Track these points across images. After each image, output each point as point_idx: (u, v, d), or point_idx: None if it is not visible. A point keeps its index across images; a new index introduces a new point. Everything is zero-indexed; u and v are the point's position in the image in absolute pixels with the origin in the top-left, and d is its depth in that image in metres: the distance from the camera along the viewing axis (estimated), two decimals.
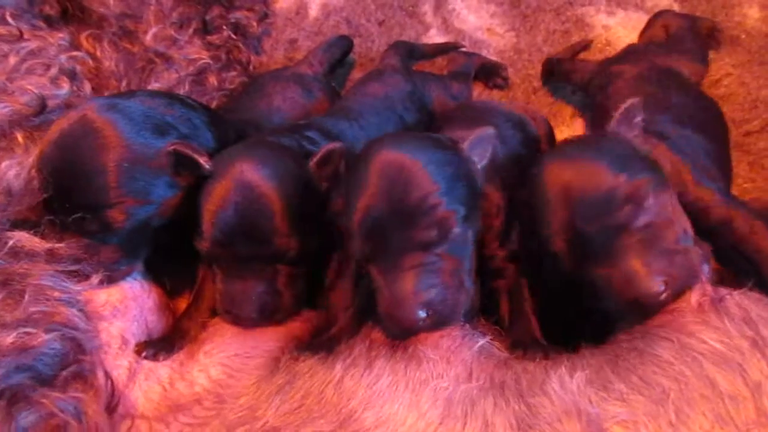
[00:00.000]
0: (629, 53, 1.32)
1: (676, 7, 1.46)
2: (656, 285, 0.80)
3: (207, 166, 0.91)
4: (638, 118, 0.91)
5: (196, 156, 0.91)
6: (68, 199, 0.88)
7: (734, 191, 1.24)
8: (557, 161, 0.87)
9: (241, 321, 0.93)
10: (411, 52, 1.48)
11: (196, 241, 0.91)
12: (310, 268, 0.96)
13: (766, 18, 1.43)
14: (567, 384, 0.76)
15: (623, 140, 0.90)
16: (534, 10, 1.53)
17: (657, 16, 1.42)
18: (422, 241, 0.81)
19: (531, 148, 1.18)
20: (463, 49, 1.51)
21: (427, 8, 1.57)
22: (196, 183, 0.93)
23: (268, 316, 0.93)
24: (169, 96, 1.03)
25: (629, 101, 0.92)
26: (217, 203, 0.88)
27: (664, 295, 0.81)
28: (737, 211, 0.95)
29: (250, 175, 0.89)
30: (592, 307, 0.90)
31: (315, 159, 0.94)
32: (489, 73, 1.47)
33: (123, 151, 0.89)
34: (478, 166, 0.91)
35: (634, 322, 0.84)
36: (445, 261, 0.82)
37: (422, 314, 0.80)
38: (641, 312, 0.83)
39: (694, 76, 1.26)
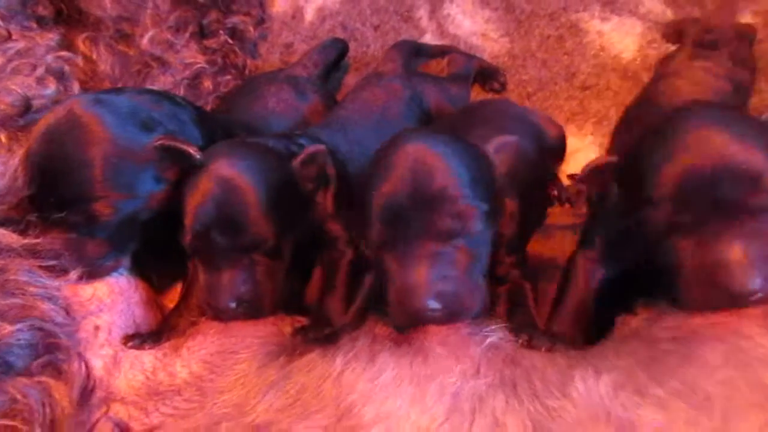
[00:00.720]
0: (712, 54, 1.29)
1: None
2: (753, 283, 0.72)
3: (198, 156, 0.91)
4: None
5: (184, 147, 0.91)
6: (54, 193, 0.89)
7: None
8: (711, 118, 0.79)
9: (220, 313, 0.92)
10: (418, 51, 1.49)
11: (179, 234, 0.92)
12: (292, 264, 0.96)
13: (758, 25, 1.42)
14: (592, 387, 0.71)
15: None
16: (528, 16, 1.53)
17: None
18: (441, 230, 0.80)
19: (543, 156, 1.18)
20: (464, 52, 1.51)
21: (422, 13, 1.57)
22: (184, 177, 0.93)
23: (246, 308, 0.92)
24: (156, 93, 1.04)
25: None
26: (196, 196, 0.90)
27: (756, 296, 0.72)
28: None
29: (228, 168, 0.90)
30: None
31: (298, 159, 0.95)
32: (487, 76, 1.47)
33: (108, 145, 0.89)
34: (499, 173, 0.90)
35: (691, 309, 0.77)
36: (462, 254, 0.81)
37: (433, 304, 0.79)
38: (719, 305, 0.75)
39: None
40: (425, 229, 0.80)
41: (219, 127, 1.08)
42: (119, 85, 1.26)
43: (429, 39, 1.55)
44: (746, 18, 1.43)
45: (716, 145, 0.76)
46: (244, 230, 0.89)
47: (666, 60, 1.36)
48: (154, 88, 1.25)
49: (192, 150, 0.91)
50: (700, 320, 0.75)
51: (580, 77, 1.45)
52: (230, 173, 0.90)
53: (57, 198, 0.89)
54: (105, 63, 1.26)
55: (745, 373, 0.67)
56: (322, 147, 0.97)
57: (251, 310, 0.93)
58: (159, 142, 0.92)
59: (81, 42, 1.24)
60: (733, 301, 0.73)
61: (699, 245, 0.75)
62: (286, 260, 0.95)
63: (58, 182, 0.89)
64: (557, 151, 1.25)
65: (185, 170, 0.93)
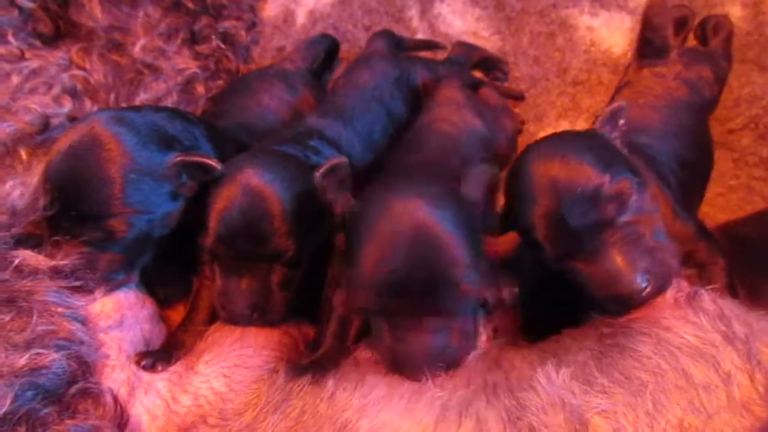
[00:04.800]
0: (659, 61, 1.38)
1: None
2: (639, 282, 0.86)
3: (218, 167, 0.97)
4: (622, 121, 0.98)
5: (204, 160, 0.97)
6: (73, 208, 0.94)
7: (720, 189, 1.33)
8: (546, 152, 0.92)
9: (233, 317, 0.99)
10: (397, 43, 1.55)
11: (200, 237, 0.97)
12: (305, 274, 1.02)
13: (748, 17, 1.50)
14: (553, 379, 0.83)
15: (607, 139, 0.96)
16: (518, 13, 1.59)
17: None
18: (441, 310, 0.85)
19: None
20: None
21: (413, 13, 1.63)
22: (198, 193, 0.99)
23: (259, 314, 0.98)
24: (170, 110, 1.10)
25: (617, 104, 0.99)
26: (223, 203, 0.95)
27: (646, 292, 0.87)
28: (704, 244, 1.04)
29: (255, 179, 0.96)
30: (571, 296, 0.95)
31: (321, 171, 1.00)
32: (490, 66, 1.54)
33: (129, 163, 0.95)
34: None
35: (612, 315, 0.91)
36: (458, 322, 0.87)
37: (430, 370, 0.86)
38: (621, 307, 0.89)
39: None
40: (423, 308, 0.84)
41: (228, 140, 1.14)
42: (112, 95, 1.31)
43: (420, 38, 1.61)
44: (736, 10, 1.50)
45: (553, 176, 0.88)
46: (267, 241, 0.95)
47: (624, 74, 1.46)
48: (153, 100, 1.31)
49: (212, 162, 0.97)
50: (627, 316, 0.90)
51: (572, 73, 1.52)
52: (259, 183, 0.96)
53: (76, 213, 0.94)
54: (98, 72, 1.31)
55: (669, 361, 0.83)
56: (343, 158, 1.02)
57: (264, 318, 1.00)
58: (178, 159, 0.98)
59: (75, 53, 1.29)
60: (631, 301, 0.88)
61: (587, 264, 0.88)
62: (302, 271, 1.01)
63: (77, 198, 0.94)
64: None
65: (203, 185, 0.99)
